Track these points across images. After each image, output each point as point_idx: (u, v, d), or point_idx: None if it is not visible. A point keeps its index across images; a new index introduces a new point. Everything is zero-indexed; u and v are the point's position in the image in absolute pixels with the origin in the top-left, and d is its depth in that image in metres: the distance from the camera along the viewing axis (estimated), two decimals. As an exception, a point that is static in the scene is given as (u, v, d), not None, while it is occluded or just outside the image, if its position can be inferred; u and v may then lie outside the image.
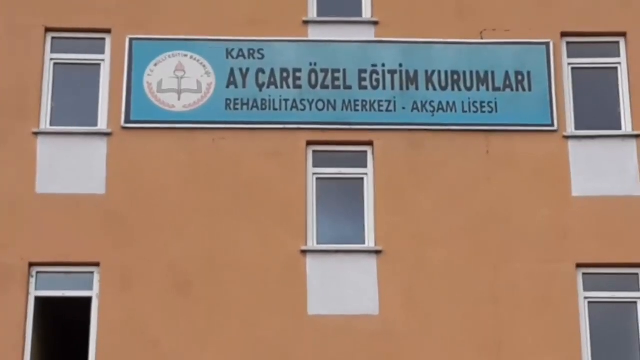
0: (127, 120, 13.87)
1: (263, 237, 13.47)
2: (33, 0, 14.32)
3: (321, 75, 14.12)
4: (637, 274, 13.57)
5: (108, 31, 14.33)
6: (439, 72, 14.21)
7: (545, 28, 14.42)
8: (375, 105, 14.00)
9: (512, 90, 14.18)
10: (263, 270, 13.33)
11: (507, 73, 14.25)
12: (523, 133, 14.03)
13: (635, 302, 13.50)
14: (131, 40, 14.19)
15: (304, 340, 13.09)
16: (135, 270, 13.28)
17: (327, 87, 14.08)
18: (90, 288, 13.33)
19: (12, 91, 13.91)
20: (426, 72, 14.20)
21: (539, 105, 14.14)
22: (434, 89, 14.14)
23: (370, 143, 14.00)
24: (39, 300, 13.31)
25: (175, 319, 13.07)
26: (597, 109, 14.42)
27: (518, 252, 13.56)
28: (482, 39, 14.40)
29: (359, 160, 14.04)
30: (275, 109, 13.94)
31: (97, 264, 13.34)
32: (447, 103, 14.07)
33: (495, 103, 14.11)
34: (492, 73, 14.23)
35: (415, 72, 14.19)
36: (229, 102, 13.94)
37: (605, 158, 13.99)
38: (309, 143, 13.95)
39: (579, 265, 13.53)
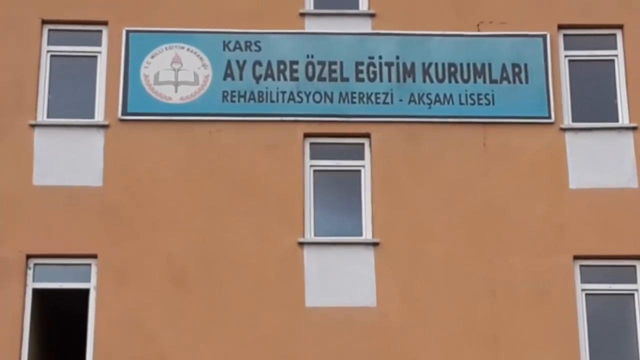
0: (124, 113, 13.85)
1: (260, 229, 13.46)
2: (29, -8, 14.36)
3: (318, 68, 14.11)
4: (634, 266, 13.58)
5: (105, 23, 14.31)
6: (436, 64, 14.20)
7: (542, 20, 14.42)
8: (372, 98, 14.00)
9: (509, 82, 14.18)
10: (260, 263, 13.32)
11: (504, 65, 14.24)
12: (520, 125, 14.04)
13: (633, 294, 13.52)
14: (128, 32, 14.16)
15: (301, 332, 13.09)
16: (133, 262, 13.27)
17: (324, 80, 14.07)
18: (88, 280, 13.32)
19: (9, 84, 13.89)
20: (423, 64, 14.20)
21: (536, 97, 14.14)
22: (431, 81, 14.13)
23: (367, 135, 14.00)
24: (37, 292, 13.30)
25: (173, 311, 13.07)
26: (594, 102, 14.43)
27: (515, 244, 13.56)
28: (479, 31, 14.39)
29: (356, 153, 14.03)
30: (272, 101, 13.93)
31: (94, 256, 13.33)
32: (444, 95, 14.06)
33: (493, 95, 14.10)
34: (489, 65, 14.23)
35: (412, 64, 14.19)
36: (226, 94, 13.93)
37: (602, 150, 14.00)
38: (306, 135, 13.94)
39: (576, 258, 13.54)
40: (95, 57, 14.31)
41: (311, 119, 13.95)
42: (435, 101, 14.03)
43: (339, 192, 14.12)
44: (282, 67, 14.08)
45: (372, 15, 14.43)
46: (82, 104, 14.12)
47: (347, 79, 14.09)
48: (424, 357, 13.11)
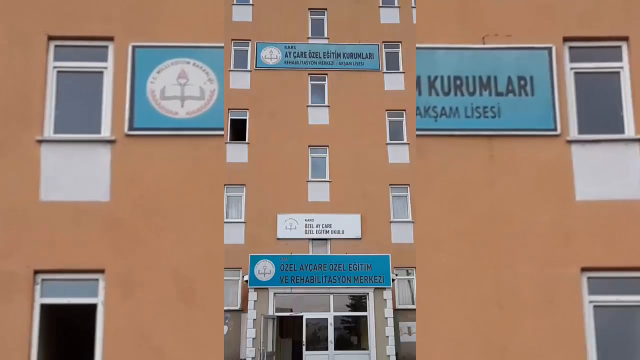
0: (131, 128, 13.88)
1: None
2: (35, 8, 14.33)
3: (324, 81, 14.15)
4: (641, 278, 13.60)
5: (111, 39, 14.34)
6: (442, 77, 14.23)
7: (548, 33, 14.44)
8: (378, 111, 14.02)
9: (514, 95, 14.19)
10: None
11: (509, 78, 14.26)
12: (526, 138, 14.03)
13: (640, 306, 13.54)
14: (134, 47, 14.21)
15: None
16: (140, 276, 13.29)
17: (330, 93, 14.10)
18: (95, 295, 13.34)
19: (16, 99, 13.92)
20: (429, 77, 14.22)
21: (542, 109, 14.14)
22: (437, 94, 14.15)
23: (373, 148, 14.01)
24: (44, 308, 13.32)
25: (180, 324, 13.09)
26: (600, 113, 14.41)
27: (522, 256, 13.55)
28: (484, 44, 14.41)
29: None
30: (278, 115, 13.95)
31: (102, 271, 13.35)
32: (450, 108, 14.08)
33: (498, 108, 14.11)
34: (495, 78, 14.25)
35: (418, 77, 14.21)
36: (232, 108, 13.96)
37: (608, 162, 13.98)
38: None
39: (583, 269, 13.52)
40: (102, 72, 14.32)
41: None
42: (441, 114, 14.05)
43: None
44: None
45: (377, 29, 14.47)
46: (88, 119, 14.13)
47: (353, 93, 14.12)
48: (431, 369, 13.12)
